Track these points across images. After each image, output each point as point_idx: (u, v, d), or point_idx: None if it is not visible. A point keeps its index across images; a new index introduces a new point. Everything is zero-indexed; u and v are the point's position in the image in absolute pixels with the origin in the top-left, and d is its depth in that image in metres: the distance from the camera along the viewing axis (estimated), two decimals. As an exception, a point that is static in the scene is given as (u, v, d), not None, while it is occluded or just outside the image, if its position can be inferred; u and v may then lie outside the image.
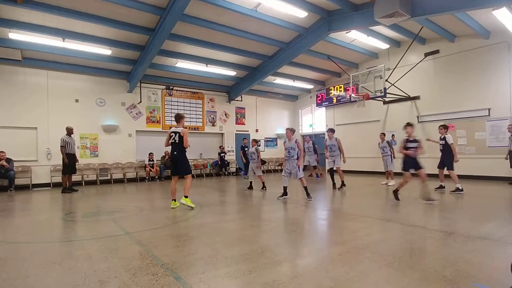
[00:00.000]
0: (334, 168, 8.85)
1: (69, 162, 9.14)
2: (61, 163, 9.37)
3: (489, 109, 10.18)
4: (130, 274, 2.77)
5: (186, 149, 6.21)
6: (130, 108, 12.64)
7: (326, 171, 9.77)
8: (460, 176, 10.44)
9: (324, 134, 16.08)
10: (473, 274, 2.66)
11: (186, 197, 6.10)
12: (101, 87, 11.93)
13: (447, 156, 7.69)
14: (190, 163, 6.60)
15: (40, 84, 10.69)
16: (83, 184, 11.06)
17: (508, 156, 8.96)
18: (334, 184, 8.87)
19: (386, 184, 9.59)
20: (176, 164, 6.30)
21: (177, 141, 6.11)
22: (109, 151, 11.92)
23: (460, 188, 7.38)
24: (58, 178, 10.75)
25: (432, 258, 3.08)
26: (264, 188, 8.67)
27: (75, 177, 10.86)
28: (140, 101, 12.82)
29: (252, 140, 9.58)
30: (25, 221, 5.47)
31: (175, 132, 6.15)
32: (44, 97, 10.74)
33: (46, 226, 5.06)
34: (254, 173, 8.87)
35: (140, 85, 12.71)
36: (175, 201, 6.24)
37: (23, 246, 3.88)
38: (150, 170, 12.42)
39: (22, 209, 6.95)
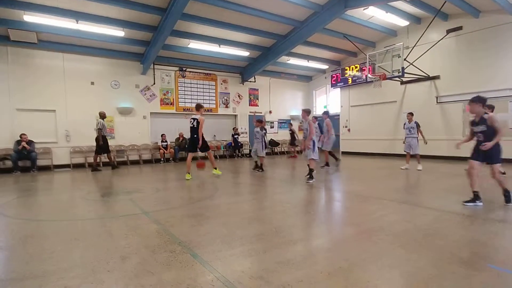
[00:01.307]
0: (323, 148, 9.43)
1: (104, 143, 10.11)
2: (95, 144, 10.20)
3: (512, 89, 9.72)
4: (149, 251, 2.88)
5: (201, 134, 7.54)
6: (144, 90, 12.74)
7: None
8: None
9: (338, 115, 15.87)
10: (489, 256, 2.63)
11: (215, 168, 8.05)
12: (115, 69, 12.02)
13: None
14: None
15: (56, 66, 10.85)
16: (102, 165, 11.38)
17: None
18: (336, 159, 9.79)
19: (406, 168, 8.74)
20: (195, 144, 7.63)
21: (195, 126, 7.56)
22: (125, 133, 12.15)
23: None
24: (78, 159, 11.16)
25: (448, 240, 3.06)
26: (261, 170, 8.88)
27: (92, 159, 11.22)
28: (154, 83, 12.88)
29: (256, 120, 9.38)
30: (48, 200, 5.73)
31: (194, 118, 7.61)
32: (61, 79, 10.93)
33: (68, 205, 5.28)
34: (257, 154, 9.02)
35: (154, 67, 12.73)
36: (189, 174, 7.59)
37: (47, 224, 4.08)
38: (164, 152, 12.62)
39: (44, 188, 7.26)
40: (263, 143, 8.88)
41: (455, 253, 2.70)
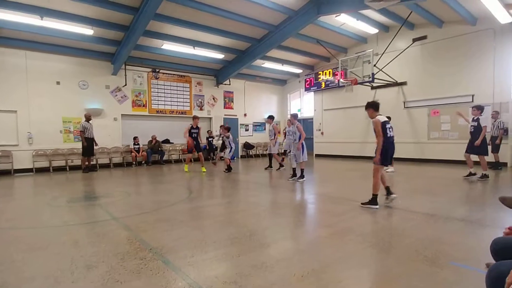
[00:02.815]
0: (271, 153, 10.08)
1: (88, 145, 10.12)
2: (81, 147, 10.32)
3: (473, 95, 10.40)
4: (118, 258, 2.77)
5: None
6: (115, 91, 12.30)
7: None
8: (442, 161, 10.83)
9: (312, 119, 16.20)
10: (451, 254, 2.78)
11: (203, 166, 9.92)
12: (84, 69, 11.51)
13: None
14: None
15: (18, 65, 10.20)
16: (67, 170, 10.84)
17: (490, 141, 9.24)
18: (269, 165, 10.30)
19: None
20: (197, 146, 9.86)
21: (196, 134, 9.74)
22: (94, 135, 11.63)
23: (487, 174, 7.06)
24: (41, 163, 10.55)
25: (414, 239, 3.20)
26: (227, 170, 9.63)
27: (58, 163, 10.73)
28: (125, 84, 12.48)
29: (220, 126, 10.87)
30: (9, 207, 5.35)
31: (197, 127, 9.78)
32: (23, 78, 10.28)
33: (30, 211, 4.96)
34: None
35: (125, 67, 12.33)
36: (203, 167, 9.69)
37: (8, 232, 3.80)
38: (136, 155, 12.24)
39: (4, 194, 6.77)
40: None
41: (420, 252, 2.83)
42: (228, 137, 9.79)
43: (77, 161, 10.98)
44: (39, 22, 8.86)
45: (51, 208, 5.08)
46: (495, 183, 7.08)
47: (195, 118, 9.90)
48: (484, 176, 7.07)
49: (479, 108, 7.16)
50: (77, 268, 2.57)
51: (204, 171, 9.63)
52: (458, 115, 7.80)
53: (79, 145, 10.66)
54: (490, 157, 9.24)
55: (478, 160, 7.19)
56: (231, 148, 9.78)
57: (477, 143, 6.98)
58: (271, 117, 10.18)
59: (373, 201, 4.59)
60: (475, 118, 7.18)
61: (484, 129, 6.95)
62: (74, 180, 8.55)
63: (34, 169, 10.39)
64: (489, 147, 9.16)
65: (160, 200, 5.52)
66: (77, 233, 3.59)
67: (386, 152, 4.62)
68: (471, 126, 7.24)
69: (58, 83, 10.94)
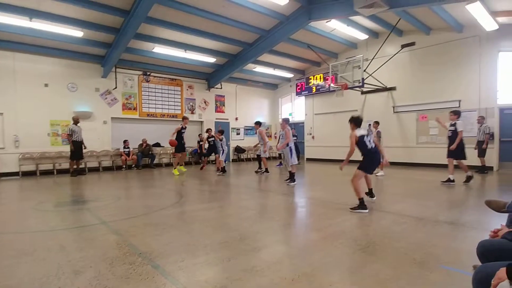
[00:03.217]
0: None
1: (76, 149, 9.94)
2: (69, 150, 10.11)
3: (459, 101, 10.64)
4: (106, 263, 2.72)
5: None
6: (105, 94, 12.16)
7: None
8: (431, 165, 11.01)
9: (303, 123, 16.30)
10: (440, 257, 2.82)
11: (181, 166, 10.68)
12: (73, 71, 11.34)
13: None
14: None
15: (6, 66, 9.99)
16: (55, 173, 10.62)
17: (477, 146, 9.45)
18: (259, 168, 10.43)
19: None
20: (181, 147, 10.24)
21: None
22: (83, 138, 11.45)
23: (471, 174, 7.17)
24: (28, 167, 10.33)
25: (403, 242, 3.23)
26: (222, 172, 10.01)
27: (45, 166, 10.53)
28: (116, 87, 12.34)
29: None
30: (-8, 212, 5.21)
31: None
32: (10, 80, 10.07)
33: (16, 216, 4.84)
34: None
35: (115, 70, 12.21)
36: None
37: (-9, 238, 3.70)
38: (126, 159, 12.09)
39: (-12, 199, 6.60)
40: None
41: (410, 255, 2.86)
42: (221, 140, 10.18)
43: (65, 165, 10.77)
44: (28, 23, 8.73)
45: (37, 213, 4.97)
46: (481, 187, 7.23)
47: (185, 118, 10.36)
48: (469, 178, 7.14)
49: (456, 113, 7.26)
50: (64, 274, 2.52)
51: (177, 174, 9.91)
52: (437, 122, 7.90)
53: (67, 148, 10.47)
54: (476, 161, 9.48)
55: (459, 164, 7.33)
56: (223, 151, 10.18)
57: (452, 148, 7.13)
58: (257, 123, 10.27)
59: (361, 205, 4.65)
60: (452, 123, 7.27)
61: (460, 134, 7.03)
62: (62, 184, 8.39)
63: (20, 173, 10.16)
64: (475, 152, 9.41)
65: (150, 204, 5.46)
66: (65, 238, 3.52)
67: (371, 162, 4.99)
68: (449, 131, 7.33)
69: (46, 85, 10.76)
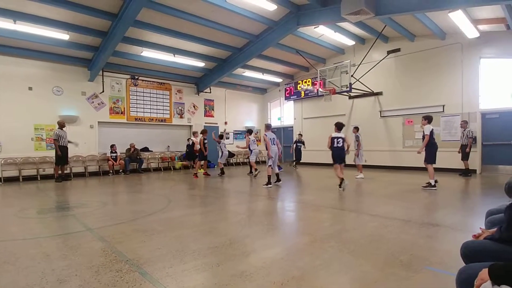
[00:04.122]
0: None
1: (62, 154, 9.72)
2: (54, 155, 9.93)
3: (443, 106, 10.93)
4: (92, 271, 2.66)
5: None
6: (92, 98, 11.96)
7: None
8: (416, 168, 11.22)
9: (292, 127, 16.39)
10: (426, 258, 2.87)
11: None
12: (58, 75, 11.12)
13: (426, 148, 7.23)
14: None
15: (-13, 69, 9.75)
16: (39, 179, 10.35)
17: (460, 149, 9.70)
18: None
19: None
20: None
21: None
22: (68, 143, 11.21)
23: (433, 183, 7.00)
24: (10, 172, 10.03)
25: (390, 244, 3.28)
26: (221, 173, 10.92)
27: (28, 172, 10.26)
28: (103, 91, 12.16)
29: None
30: (-28, 219, 5.02)
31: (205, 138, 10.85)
32: (-8, 83, 9.82)
33: (-4, 224, 4.68)
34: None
35: (103, 73, 12.04)
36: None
37: (-30, 246, 3.56)
38: (113, 164, 11.89)
39: (-32, 206, 6.37)
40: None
41: (397, 257, 2.90)
42: (219, 143, 11.13)
43: (49, 170, 10.52)
44: (12, 26, 8.53)
45: (20, 220, 4.82)
46: (465, 189, 7.42)
47: (205, 132, 11.07)
48: (429, 185, 7.01)
49: (426, 118, 7.29)
50: (48, 283, 2.45)
51: (200, 171, 11.06)
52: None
53: (51, 153, 10.24)
54: (460, 165, 9.74)
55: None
56: (223, 153, 11.08)
57: (419, 151, 7.39)
58: (249, 131, 11.02)
59: (341, 183, 6.96)
60: (423, 127, 7.40)
61: (426, 138, 7.06)
62: (46, 190, 8.17)
63: (2, 179, 9.85)
64: (459, 155, 9.68)
65: (137, 210, 5.37)
66: (49, 246, 3.42)
67: (333, 155, 7.34)
68: (422, 136, 7.37)
69: (30, 88, 10.52)
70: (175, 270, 2.67)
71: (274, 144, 8.35)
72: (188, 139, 14.28)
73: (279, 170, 10.15)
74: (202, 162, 11.05)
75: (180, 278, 2.52)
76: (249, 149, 10.43)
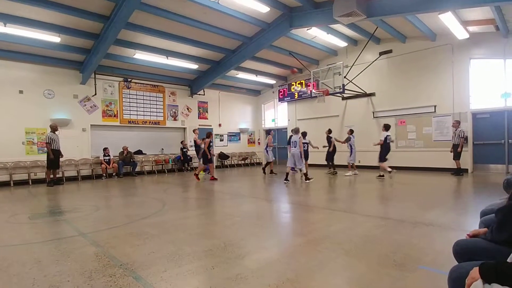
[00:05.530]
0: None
1: (55, 158, 9.57)
2: (45, 159, 9.72)
3: (435, 106, 11.07)
4: (85, 277, 2.63)
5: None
6: (84, 101, 11.84)
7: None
8: (409, 168, 11.35)
9: (286, 128, 16.43)
10: (419, 258, 2.90)
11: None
12: (50, 78, 11.00)
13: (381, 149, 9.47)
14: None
15: (-24, 73, 9.60)
16: (30, 183, 10.20)
17: (452, 149, 9.83)
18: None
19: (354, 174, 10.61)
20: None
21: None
22: (60, 146, 11.06)
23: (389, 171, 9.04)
24: (1, 177, 9.87)
25: (384, 244, 3.31)
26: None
27: (19, 176, 10.10)
28: (95, 94, 12.05)
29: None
30: (-39, 226, 4.92)
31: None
32: (-19, 87, 9.66)
33: (-14, 230, 4.60)
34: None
35: (95, 76, 11.93)
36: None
37: (-41, 253, 3.49)
38: (106, 167, 11.77)
39: (-43, 212, 6.24)
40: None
41: (391, 257, 2.93)
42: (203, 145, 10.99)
43: (41, 174, 10.37)
44: (2, 28, 8.43)
45: (11, 226, 4.74)
46: (457, 188, 7.51)
47: (211, 134, 10.70)
48: (381, 176, 9.36)
49: (384, 126, 9.48)
50: (39, 289, 2.41)
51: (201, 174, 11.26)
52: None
53: (43, 157, 10.10)
54: (452, 164, 9.87)
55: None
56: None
57: (375, 144, 9.71)
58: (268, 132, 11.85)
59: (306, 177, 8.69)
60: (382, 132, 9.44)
61: (380, 142, 9.38)
62: (38, 195, 8.06)
63: (-8, 184, 9.69)
64: (451, 154, 9.82)
65: (131, 214, 5.33)
66: (40, 252, 3.37)
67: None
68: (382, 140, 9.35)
69: (21, 92, 10.37)
70: (169, 274, 2.65)
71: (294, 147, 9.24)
72: (182, 142, 14.22)
73: (292, 171, 9.97)
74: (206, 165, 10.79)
75: (175, 282, 2.50)
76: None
